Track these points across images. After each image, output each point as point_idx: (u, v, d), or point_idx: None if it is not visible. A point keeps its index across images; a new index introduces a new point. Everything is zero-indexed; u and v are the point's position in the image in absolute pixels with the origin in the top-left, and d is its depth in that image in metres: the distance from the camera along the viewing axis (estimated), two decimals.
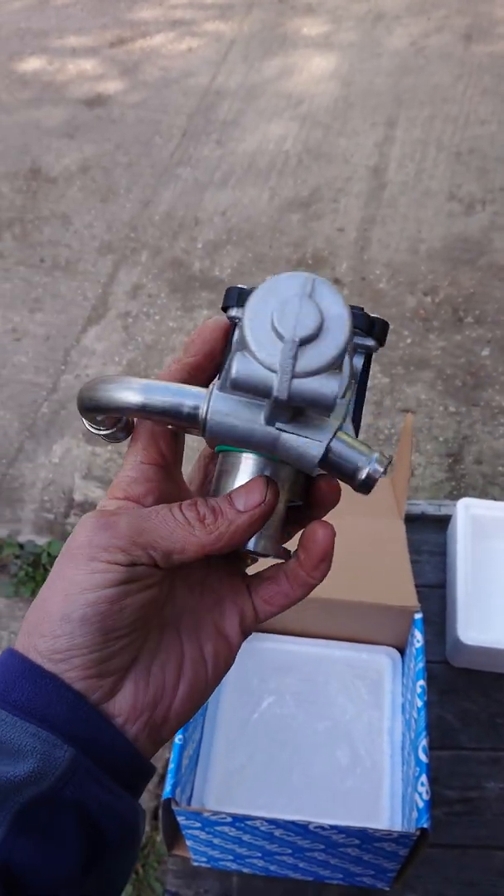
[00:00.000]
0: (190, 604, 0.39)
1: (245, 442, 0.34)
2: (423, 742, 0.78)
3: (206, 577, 0.40)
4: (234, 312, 0.37)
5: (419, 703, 0.81)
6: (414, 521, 1.23)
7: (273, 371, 0.30)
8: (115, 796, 0.34)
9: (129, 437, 0.40)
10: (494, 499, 2.15)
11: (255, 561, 0.42)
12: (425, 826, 0.73)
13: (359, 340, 0.37)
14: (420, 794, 0.75)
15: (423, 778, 0.76)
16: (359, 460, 0.34)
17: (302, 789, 0.89)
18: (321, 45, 3.65)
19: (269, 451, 0.34)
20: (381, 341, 0.38)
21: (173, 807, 0.75)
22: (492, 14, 3.72)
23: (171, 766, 0.78)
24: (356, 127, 3.20)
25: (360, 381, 0.40)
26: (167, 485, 0.39)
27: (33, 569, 2.08)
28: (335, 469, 0.34)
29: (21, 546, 2.13)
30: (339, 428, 0.34)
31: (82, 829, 0.33)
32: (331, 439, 0.33)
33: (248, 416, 0.33)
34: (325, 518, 0.39)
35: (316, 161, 3.08)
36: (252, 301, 0.31)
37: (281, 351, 0.30)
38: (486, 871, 0.94)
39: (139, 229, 2.90)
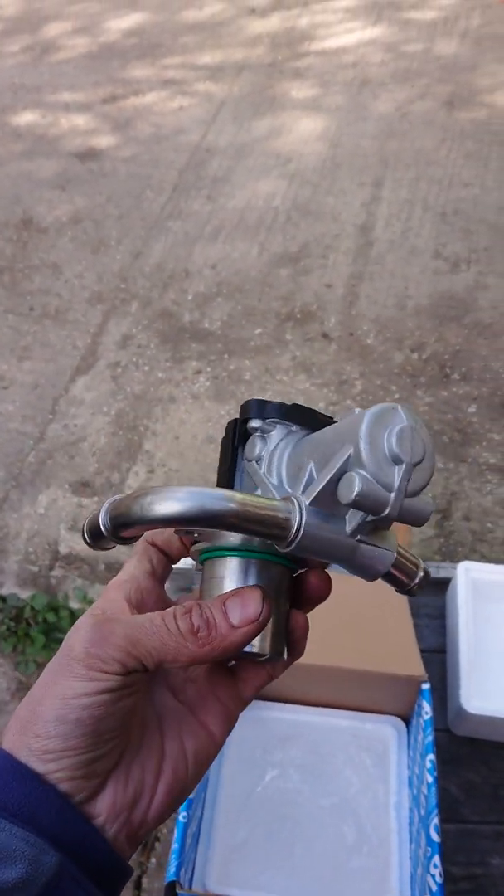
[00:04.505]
0: (172, 702, 0.41)
1: (326, 552, 0.36)
2: (435, 820, 0.76)
3: (189, 672, 0.41)
4: (255, 423, 0.40)
5: (429, 779, 0.79)
6: None
7: (389, 491, 0.33)
8: None
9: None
10: (483, 556, 2.15)
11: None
12: None
13: None
14: (433, 877, 0.72)
15: (437, 859, 0.73)
16: (415, 569, 0.39)
17: (305, 868, 0.85)
18: (309, 107, 3.76)
19: (343, 561, 0.36)
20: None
21: (178, 890, 0.72)
22: (472, 83, 3.86)
23: (175, 845, 0.75)
24: (344, 186, 3.28)
25: None
26: (154, 589, 0.41)
27: (15, 623, 2.03)
28: (390, 575, 0.38)
29: (3, 599, 2.08)
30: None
31: None
32: (398, 549, 0.37)
33: (333, 528, 0.35)
34: None
35: (304, 218, 3.14)
36: (365, 428, 0.34)
37: (399, 473, 0.33)
38: None
39: (129, 280, 2.92)
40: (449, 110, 3.68)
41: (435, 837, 0.75)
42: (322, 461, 0.36)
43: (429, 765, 0.80)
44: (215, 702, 0.41)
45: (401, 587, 0.39)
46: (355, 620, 0.97)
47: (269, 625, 0.38)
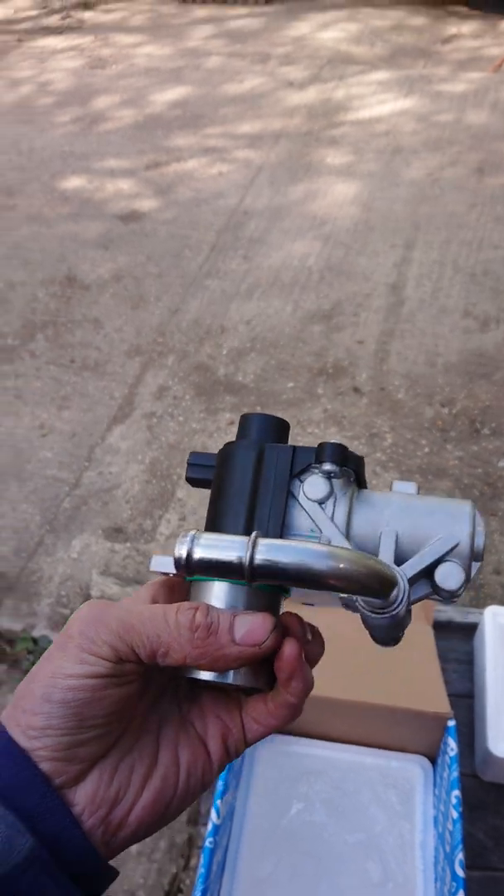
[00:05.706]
0: (174, 713, 0.40)
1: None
2: (460, 856, 0.76)
3: (197, 688, 0.41)
4: (328, 467, 0.41)
5: (454, 815, 0.79)
6: (441, 629, 1.23)
7: (467, 582, 0.39)
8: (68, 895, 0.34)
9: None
10: None
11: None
12: None
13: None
14: None
15: (461, 894, 0.73)
16: None
17: None
18: (343, 173, 3.91)
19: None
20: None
21: None
22: (502, 151, 3.99)
23: (202, 870, 0.76)
24: (376, 248, 3.38)
25: None
26: (185, 597, 0.41)
27: None
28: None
29: (35, 641, 2.11)
30: None
31: None
32: None
33: None
34: None
35: (337, 277, 3.24)
36: (472, 529, 0.39)
37: (475, 568, 0.39)
38: None
39: (167, 335, 3.02)
40: (479, 177, 3.80)
41: (460, 873, 0.76)
42: (412, 535, 0.39)
43: (454, 800, 0.81)
44: (217, 722, 0.40)
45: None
46: (381, 657, 0.98)
47: None
